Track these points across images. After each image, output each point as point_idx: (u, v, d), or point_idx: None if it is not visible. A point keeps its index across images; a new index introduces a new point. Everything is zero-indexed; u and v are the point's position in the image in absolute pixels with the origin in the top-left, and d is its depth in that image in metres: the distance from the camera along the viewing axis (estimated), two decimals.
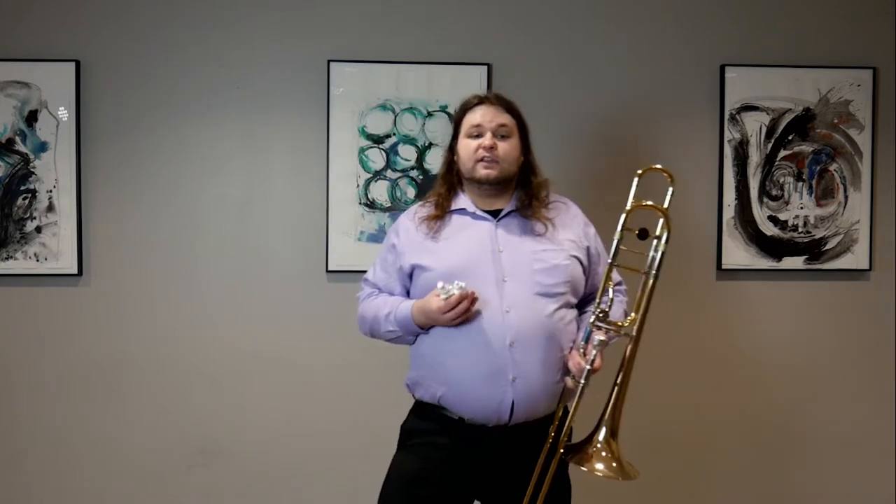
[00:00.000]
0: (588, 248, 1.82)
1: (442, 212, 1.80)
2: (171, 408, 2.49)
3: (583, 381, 1.63)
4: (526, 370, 1.67)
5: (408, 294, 1.83)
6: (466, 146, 1.78)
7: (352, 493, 2.53)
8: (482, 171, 1.76)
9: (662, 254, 1.65)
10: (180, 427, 2.50)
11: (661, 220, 1.66)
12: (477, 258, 1.73)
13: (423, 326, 1.73)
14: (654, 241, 1.66)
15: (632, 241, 1.65)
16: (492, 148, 1.74)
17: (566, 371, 1.71)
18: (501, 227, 1.78)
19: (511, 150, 1.78)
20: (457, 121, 1.84)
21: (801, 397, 2.63)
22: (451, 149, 1.85)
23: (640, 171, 1.69)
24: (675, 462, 2.56)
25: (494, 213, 1.80)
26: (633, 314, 1.66)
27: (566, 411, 1.75)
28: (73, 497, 2.49)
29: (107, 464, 2.49)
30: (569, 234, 1.80)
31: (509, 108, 1.80)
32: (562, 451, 1.66)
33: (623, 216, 1.66)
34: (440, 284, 1.64)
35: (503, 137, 1.77)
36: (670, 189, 1.70)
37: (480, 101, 1.80)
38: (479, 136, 1.77)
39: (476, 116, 1.78)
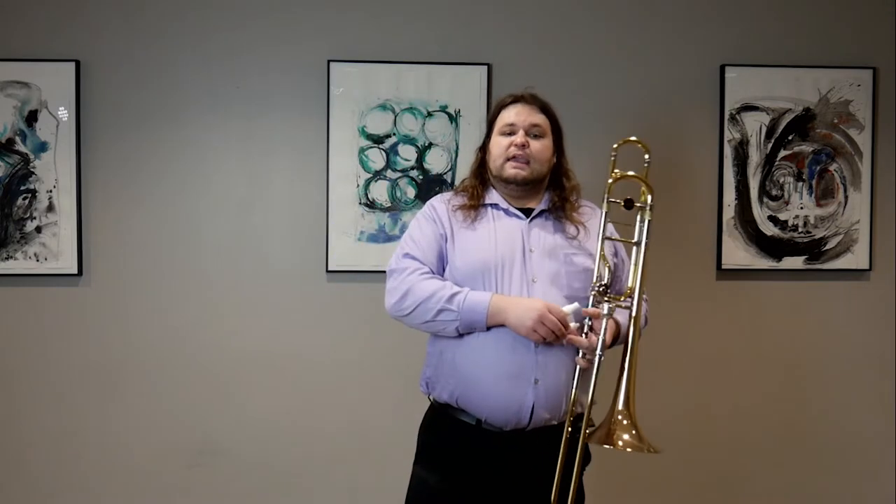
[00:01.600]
0: (601, 237, 1.81)
1: (476, 203, 1.78)
2: (171, 407, 2.49)
3: (599, 353, 1.61)
4: (549, 373, 1.66)
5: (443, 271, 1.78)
6: (498, 143, 1.78)
7: (351, 492, 2.53)
8: (511, 171, 1.75)
9: (649, 222, 1.68)
10: (180, 426, 2.50)
11: (643, 188, 1.69)
12: (507, 257, 1.72)
13: (490, 318, 1.66)
14: (639, 212, 1.69)
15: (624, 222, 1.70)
16: (524, 146, 1.74)
17: (575, 350, 1.69)
18: (533, 227, 1.77)
19: (542, 149, 1.77)
20: (491, 119, 1.84)
21: (801, 397, 2.63)
22: (484, 147, 1.84)
23: (615, 144, 1.77)
24: (675, 462, 2.56)
25: (526, 212, 1.78)
26: (629, 285, 1.68)
27: (580, 415, 1.74)
28: (73, 496, 2.49)
29: (107, 463, 2.49)
30: (596, 241, 1.77)
31: (544, 108, 1.80)
32: (588, 432, 1.64)
33: (606, 191, 1.69)
34: (576, 304, 1.65)
35: (536, 137, 1.76)
36: (646, 156, 1.77)
37: (515, 99, 1.80)
38: (511, 133, 1.76)
39: (510, 115, 1.77)
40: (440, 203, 1.84)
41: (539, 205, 1.80)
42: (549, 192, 1.82)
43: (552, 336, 1.62)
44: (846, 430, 2.64)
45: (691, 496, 2.61)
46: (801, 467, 2.64)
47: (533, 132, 1.76)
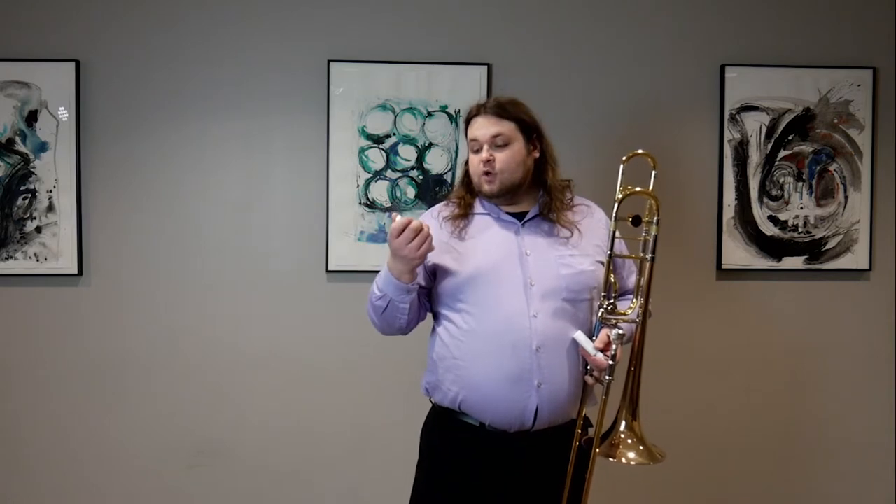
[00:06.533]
0: (609, 255, 1.81)
1: (466, 211, 1.78)
2: (171, 407, 2.49)
3: (608, 377, 1.62)
4: (551, 376, 1.66)
5: (428, 293, 1.80)
6: (471, 161, 1.78)
7: (352, 492, 2.53)
8: (485, 187, 1.75)
9: (655, 236, 1.67)
10: (180, 427, 2.50)
11: (650, 203, 1.69)
12: (504, 261, 1.71)
13: (400, 276, 1.66)
14: (646, 226, 1.69)
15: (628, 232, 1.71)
16: (489, 161, 1.72)
17: (585, 368, 1.70)
18: (527, 231, 1.76)
19: (509, 158, 1.73)
20: (465, 133, 1.83)
21: (801, 397, 2.63)
22: (468, 160, 1.84)
23: (624, 158, 1.74)
24: (675, 462, 2.56)
25: (518, 216, 1.78)
26: (634, 300, 1.69)
27: (587, 419, 1.75)
28: (73, 496, 2.49)
29: (107, 463, 2.49)
30: (594, 240, 1.78)
31: (504, 114, 1.75)
32: (598, 449, 1.65)
33: (616, 206, 1.67)
34: (393, 214, 1.63)
35: (499, 147, 1.73)
36: (653, 172, 1.75)
37: (477, 111, 1.78)
38: (479, 149, 1.75)
39: (473, 129, 1.77)
40: (430, 218, 1.82)
41: (532, 209, 1.79)
42: (542, 194, 1.81)
43: (413, 238, 1.59)
44: (846, 430, 2.64)
45: (691, 495, 2.61)
46: (800, 467, 2.64)
47: (496, 143, 1.74)
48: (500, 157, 1.73)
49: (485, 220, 1.79)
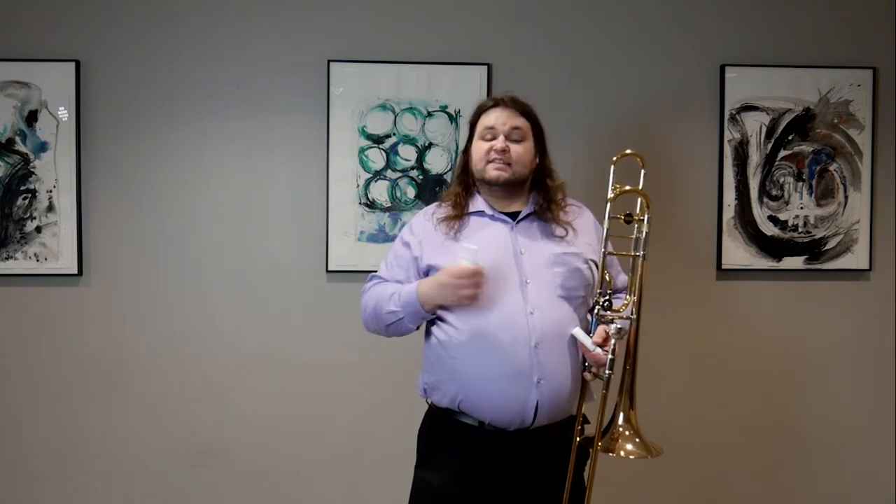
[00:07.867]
0: (603, 253, 1.82)
1: (460, 212, 1.79)
2: (171, 407, 2.49)
3: (608, 372, 1.64)
4: (550, 372, 1.66)
5: None
6: (479, 148, 1.79)
7: (351, 492, 2.53)
8: (492, 172, 1.75)
9: (647, 234, 1.71)
10: (180, 427, 2.50)
11: (640, 202, 1.72)
12: (499, 260, 1.72)
13: (425, 305, 1.69)
14: (637, 224, 1.73)
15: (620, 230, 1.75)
16: (504, 151, 1.74)
17: (583, 365, 1.71)
18: (520, 230, 1.77)
19: (524, 153, 1.77)
20: (472, 123, 1.84)
21: (801, 397, 2.63)
22: (467, 150, 1.85)
23: (614, 158, 1.80)
24: (675, 462, 2.56)
25: (511, 216, 1.79)
26: (627, 297, 1.72)
27: (585, 418, 1.75)
28: (73, 497, 2.49)
29: (107, 463, 2.49)
30: (586, 239, 1.80)
31: (524, 110, 1.80)
32: (599, 444, 1.67)
33: (608, 205, 1.72)
34: (465, 245, 1.65)
35: (516, 141, 1.77)
36: (642, 171, 1.79)
37: (495, 103, 1.80)
38: (492, 138, 1.77)
39: (490, 119, 1.78)
40: (424, 219, 1.84)
41: (525, 208, 1.81)
42: (534, 195, 1.82)
43: (473, 287, 1.64)
44: (846, 430, 2.64)
45: (690, 495, 2.61)
46: (800, 467, 2.64)
47: (513, 136, 1.77)
48: (517, 149, 1.77)
49: (479, 220, 1.80)
